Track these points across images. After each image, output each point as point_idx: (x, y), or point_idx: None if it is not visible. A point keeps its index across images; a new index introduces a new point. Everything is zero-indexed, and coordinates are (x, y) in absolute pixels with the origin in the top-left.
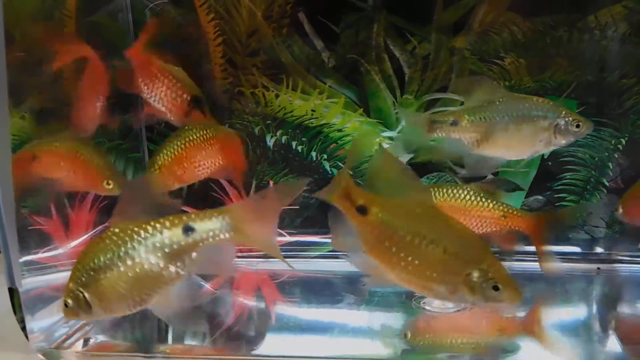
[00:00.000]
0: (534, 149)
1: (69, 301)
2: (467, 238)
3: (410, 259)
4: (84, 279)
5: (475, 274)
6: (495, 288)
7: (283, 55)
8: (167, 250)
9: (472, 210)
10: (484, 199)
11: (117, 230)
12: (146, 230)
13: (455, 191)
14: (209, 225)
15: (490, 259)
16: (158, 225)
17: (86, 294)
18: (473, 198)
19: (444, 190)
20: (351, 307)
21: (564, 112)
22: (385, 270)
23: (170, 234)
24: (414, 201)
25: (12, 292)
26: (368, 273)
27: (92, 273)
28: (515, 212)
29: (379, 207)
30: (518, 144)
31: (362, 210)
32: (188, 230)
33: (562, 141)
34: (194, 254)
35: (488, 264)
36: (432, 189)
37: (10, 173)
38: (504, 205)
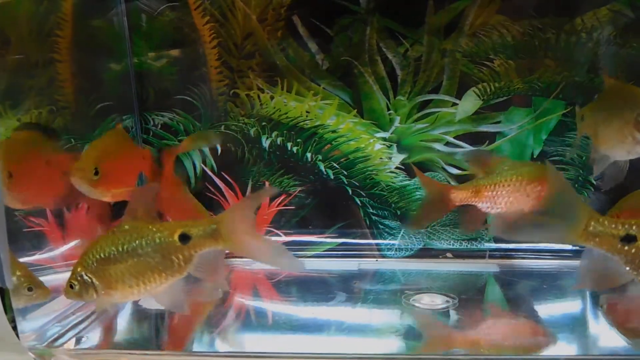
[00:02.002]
0: (622, 147)
1: (75, 284)
2: None
3: None
4: (93, 266)
5: None
6: None
7: (278, 57)
8: (165, 252)
9: None
10: None
11: (126, 227)
12: (151, 232)
13: None
14: (202, 233)
15: None
16: (161, 229)
17: (94, 280)
18: None
19: None
20: (345, 305)
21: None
22: None
23: (170, 239)
24: None
25: (2, 291)
26: None
27: (101, 262)
28: None
29: None
30: (608, 140)
31: (630, 240)
32: (184, 238)
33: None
34: (190, 258)
35: None
36: None
37: None
38: None
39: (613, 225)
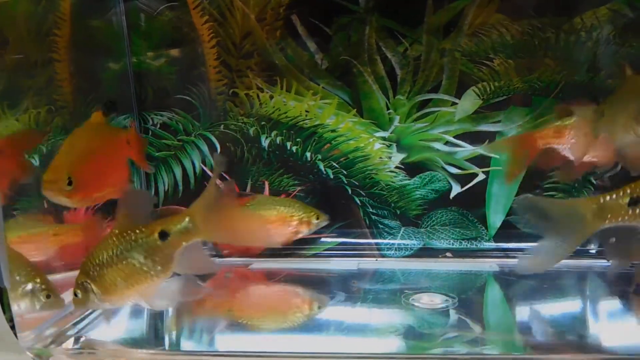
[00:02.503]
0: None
1: (79, 292)
2: None
3: None
4: (91, 272)
5: None
6: None
7: (277, 57)
8: (148, 251)
9: None
10: None
11: (116, 231)
12: (135, 234)
13: None
14: (179, 228)
15: None
16: (143, 229)
17: (93, 286)
18: None
19: None
20: (344, 305)
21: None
22: None
23: (150, 238)
24: None
25: (1, 291)
26: None
27: (97, 267)
28: None
29: None
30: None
31: (637, 202)
32: (163, 235)
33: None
34: (172, 255)
35: None
36: None
37: None
38: None
39: (614, 196)
